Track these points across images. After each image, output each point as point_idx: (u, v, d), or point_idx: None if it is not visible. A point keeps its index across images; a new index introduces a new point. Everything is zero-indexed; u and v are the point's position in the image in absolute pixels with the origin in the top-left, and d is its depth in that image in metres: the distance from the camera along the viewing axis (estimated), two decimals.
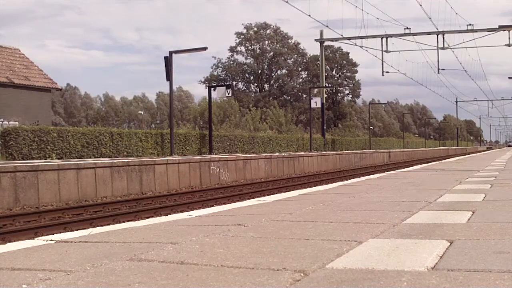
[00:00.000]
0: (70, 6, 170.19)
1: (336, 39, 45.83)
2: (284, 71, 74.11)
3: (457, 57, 71.47)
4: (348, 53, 76.29)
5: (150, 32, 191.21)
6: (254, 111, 50.79)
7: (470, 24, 40.92)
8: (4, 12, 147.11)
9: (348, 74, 78.18)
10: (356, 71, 78.81)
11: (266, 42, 73.39)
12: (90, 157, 20.24)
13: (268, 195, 12.87)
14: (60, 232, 5.00)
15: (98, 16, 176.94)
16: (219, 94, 27.95)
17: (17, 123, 24.04)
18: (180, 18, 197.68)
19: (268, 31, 73.01)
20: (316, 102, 40.66)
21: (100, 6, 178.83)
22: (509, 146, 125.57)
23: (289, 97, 75.59)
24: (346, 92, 79.93)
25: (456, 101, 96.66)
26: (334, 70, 76.52)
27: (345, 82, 78.77)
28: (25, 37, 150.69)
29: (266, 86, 74.81)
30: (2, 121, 25.63)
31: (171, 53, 24.31)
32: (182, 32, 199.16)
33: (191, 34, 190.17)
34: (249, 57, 73.01)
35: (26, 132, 18.48)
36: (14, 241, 6.60)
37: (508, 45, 39.76)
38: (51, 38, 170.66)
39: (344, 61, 76.92)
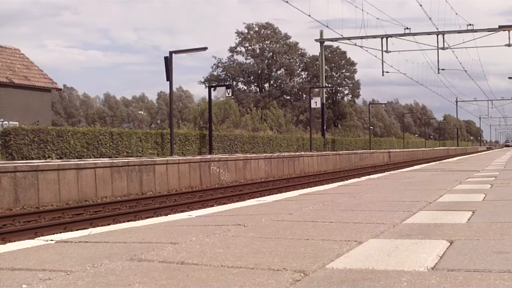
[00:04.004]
0: (68, 6, 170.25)
1: (336, 39, 45.84)
2: (283, 70, 74.07)
3: (457, 57, 71.59)
4: (345, 52, 76.29)
5: (149, 32, 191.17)
6: (254, 111, 50.80)
7: (470, 24, 40.97)
8: (2, 12, 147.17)
9: (347, 74, 78.17)
10: (355, 71, 78.82)
11: (266, 42, 73.35)
12: (90, 157, 20.24)
13: (268, 195, 12.87)
14: (60, 232, 5.00)
15: (96, 16, 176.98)
16: (219, 94, 27.94)
17: (17, 123, 24.03)
18: (178, 18, 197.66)
19: (268, 31, 72.97)
20: (316, 102, 40.66)
21: (98, 6, 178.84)
22: (507, 146, 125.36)
23: (289, 97, 75.56)
24: (346, 92, 79.96)
25: (456, 101, 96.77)
26: (333, 70, 76.42)
27: (344, 82, 78.75)
28: (23, 37, 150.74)
29: (266, 86, 74.78)
30: (2, 121, 25.63)
31: (171, 53, 24.31)
32: (180, 32, 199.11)
33: (189, 34, 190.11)
34: (249, 57, 73.02)
35: (26, 132, 18.48)
36: (14, 241, 6.60)
37: (508, 45, 39.77)
38: (50, 38, 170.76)
39: (342, 61, 76.89)
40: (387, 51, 42.66)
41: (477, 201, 5.30)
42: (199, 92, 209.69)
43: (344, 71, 78.05)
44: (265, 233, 3.53)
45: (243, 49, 72.77)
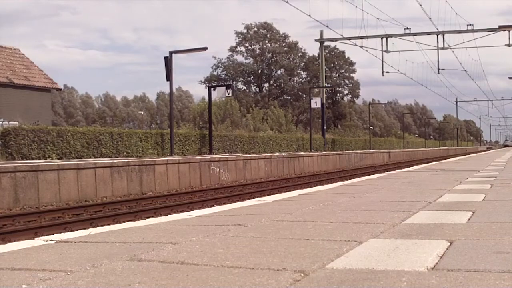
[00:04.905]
0: (67, 7, 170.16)
1: (336, 39, 45.81)
2: (283, 70, 74.04)
3: (457, 57, 71.39)
4: (343, 52, 76.26)
5: (148, 32, 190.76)
6: (256, 111, 50.75)
7: (470, 24, 40.94)
8: (1, 12, 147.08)
9: (346, 74, 78.16)
10: (354, 71, 78.78)
11: (266, 42, 73.34)
12: (90, 157, 20.24)
13: (268, 195, 12.87)
14: (60, 232, 5.00)
15: (96, 16, 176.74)
16: (219, 94, 27.93)
17: (17, 123, 24.03)
18: (177, 18, 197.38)
19: (267, 31, 72.95)
20: (316, 102, 40.64)
21: (98, 6, 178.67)
22: (506, 145, 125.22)
23: (289, 97, 75.57)
24: (346, 92, 79.95)
25: (456, 101, 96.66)
26: (332, 70, 76.34)
27: (343, 82, 78.73)
28: (22, 37, 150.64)
29: (266, 86, 74.78)
30: (2, 121, 25.62)
31: (171, 53, 24.30)
32: (180, 32, 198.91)
33: (189, 34, 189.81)
34: (249, 57, 73.02)
35: (26, 132, 18.48)
36: (14, 241, 6.60)
37: (508, 45, 39.74)
38: (49, 38, 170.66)
39: (341, 61, 76.86)
40: (387, 51, 42.64)
41: (477, 201, 5.30)
42: (199, 92, 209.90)
43: (343, 71, 78.05)
44: (265, 233, 3.53)
45: (243, 49, 72.81)
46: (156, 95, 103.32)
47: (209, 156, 22.94)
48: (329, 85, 63.31)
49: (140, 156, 22.20)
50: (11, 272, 2.54)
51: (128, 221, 9.61)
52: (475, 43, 65.07)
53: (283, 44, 73.86)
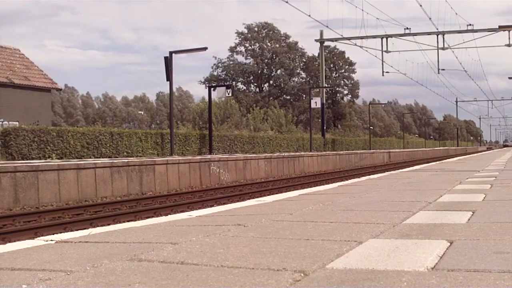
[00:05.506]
0: (66, 7, 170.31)
1: (336, 39, 45.80)
2: (282, 70, 73.99)
3: (457, 57, 71.38)
4: (343, 52, 76.23)
5: (148, 32, 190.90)
6: (257, 110, 50.73)
7: (470, 24, 40.94)
8: (1, 12, 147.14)
9: (346, 74, 78.13)
10: (353, 71, 78.74)
11: (266, 41, 73.32)
12: (90, 157, 20.24)
13: (268, 195, 12.87)
14: (60, 232, 5.01)
15: (96, 16, 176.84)
16: (219, 94, 27.91)
17: (17, 123, 24.02)
18: (177, 18, 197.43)
19: (267, 31, 72.93)
20: (316, 102, 40.63)
21: (97, 6, 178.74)
22: (505, 146, 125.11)
23: (289, 97, 75.55)
24: (345, 92, 79.92)
25: (456, 101, 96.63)
26: (332, 70, 76.29)
27: (343, 82, 78.69)
28: (22, 37, 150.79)
29: (265, 86, 74.74)
30: (2, 121, 25.63)
31: (171, 53, 24.30)
32: (180, 32, 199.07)
33: (189, 34, 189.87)
34: (249, 57, 73.00)
35: (26, 132, 18.48)
36: (14, 241, 6.60)
37: (508, 45, 39.73)
38: (49, 38, 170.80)
39: (341, 61, 76.83)
40: (387, 51, 42.62)
41: (477, 201, 5.30)
42: (199, 92, 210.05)
43: (343, 71, 78.02)
44: (265, 233, 3.53)
45: (243, 49, 72.80)
46: (156, 95, 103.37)
47: (209, 156, 22.94)
48: (329, 85, 63.30)
49: (140, 156, 22.20)
50: (11, 272, 2.54)
51: (128, 221, 9.62)
52: (475, 43, 65.15)
53: (283, 44, 73.84)
